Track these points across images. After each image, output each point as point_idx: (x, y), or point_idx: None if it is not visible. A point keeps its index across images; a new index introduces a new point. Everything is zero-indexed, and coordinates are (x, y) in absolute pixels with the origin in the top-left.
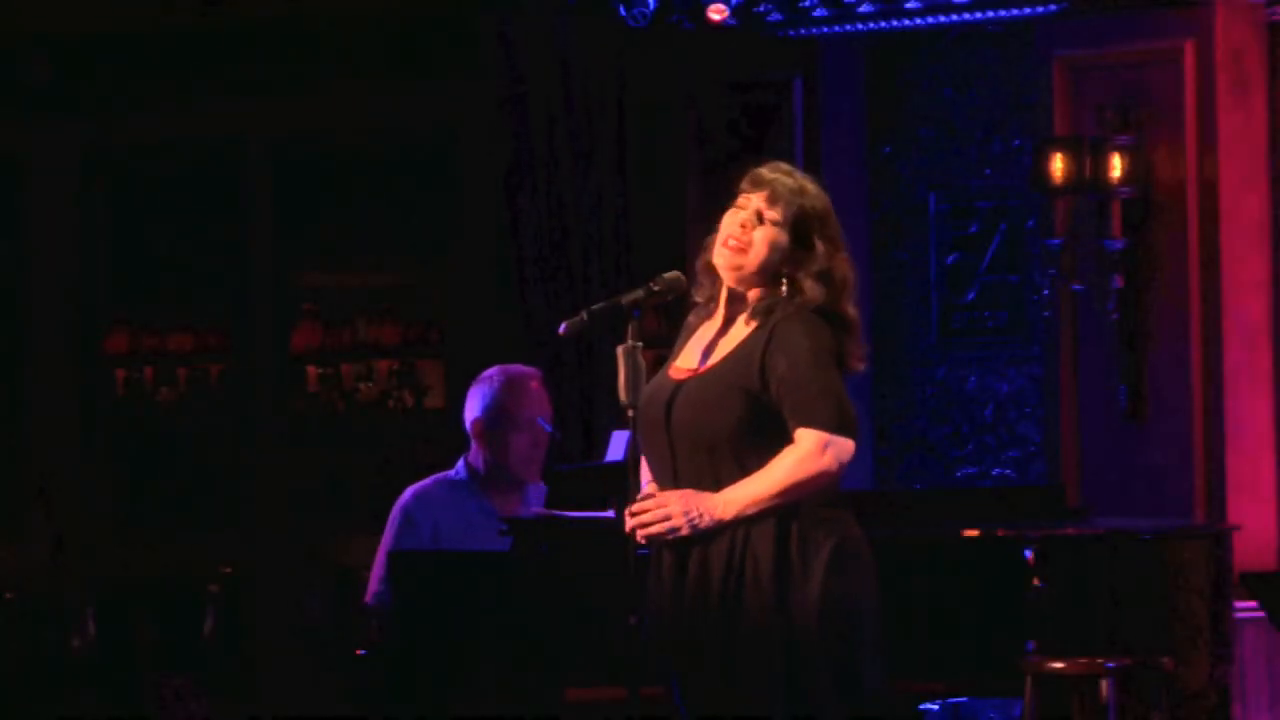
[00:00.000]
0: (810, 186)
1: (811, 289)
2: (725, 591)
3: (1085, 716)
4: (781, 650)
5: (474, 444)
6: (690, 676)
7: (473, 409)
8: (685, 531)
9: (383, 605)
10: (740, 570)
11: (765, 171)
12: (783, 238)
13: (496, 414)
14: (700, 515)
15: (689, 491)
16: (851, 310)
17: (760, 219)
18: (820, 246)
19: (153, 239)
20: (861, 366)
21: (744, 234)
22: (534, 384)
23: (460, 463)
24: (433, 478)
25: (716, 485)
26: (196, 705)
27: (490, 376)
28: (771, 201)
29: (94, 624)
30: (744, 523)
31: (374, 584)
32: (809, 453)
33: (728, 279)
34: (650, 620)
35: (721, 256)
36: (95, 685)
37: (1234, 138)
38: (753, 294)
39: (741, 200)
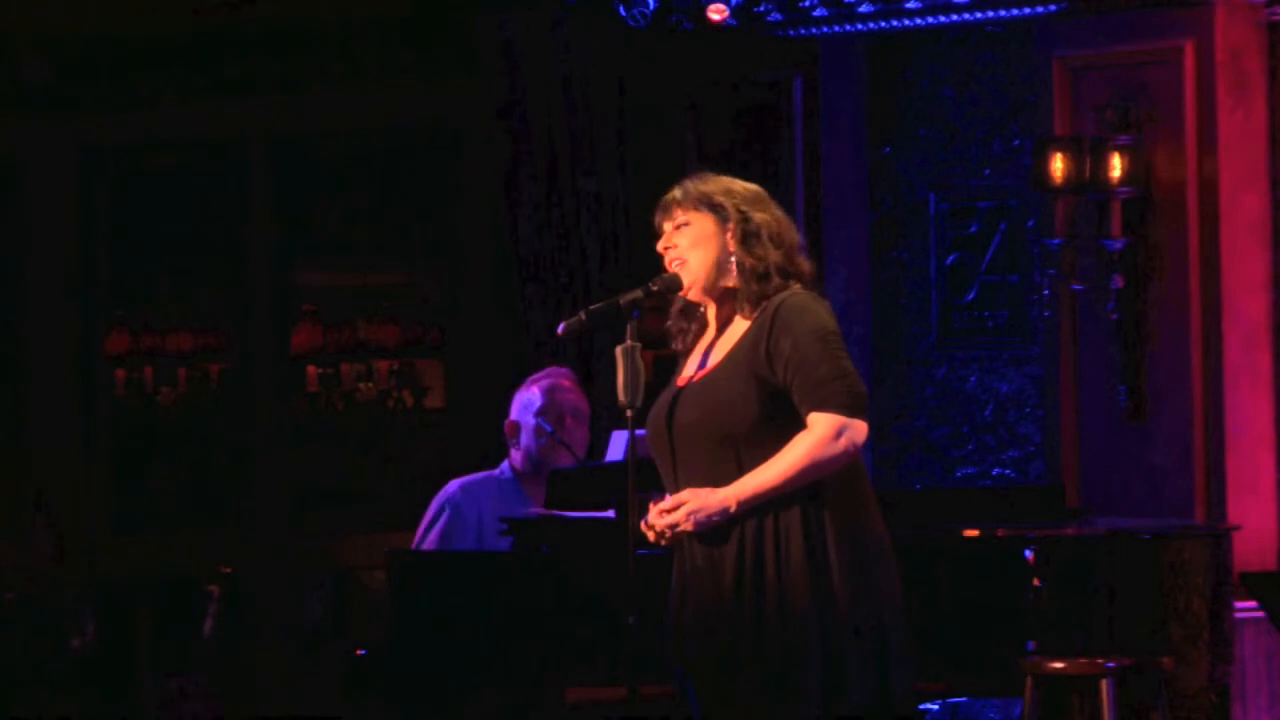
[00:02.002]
0: (694, 181)
1: (772, 254)
2: (756, 592)
3: (1085, 716)
4: (817, 651)
5: (509, 442)
6: (712, 677)
7: (510, 414)
8: (689, 527)
9: None
10: (774, 570)
11: (663, 199)
12: (703, 228)
13: (523, 409)
14: (700, 510)
15: (695, 490)
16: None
17: (677, 232)
18: (740, 214)
19: (153, 239)
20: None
21: (675, 251)
22: (564, 381)
23: (504, 464)
24: (479, 474)
25: (716, 486)
26: (199, 705)
27: (525, 381)
28: (668, 213)
29: (94, 624)
30: (774, 522)
31: None
32: (823, 437)
33: (695, 296)
34: (670, 620)
35: (679, 281)
36: (95, 685)
37: (1234, 138)
38: (738, 293)
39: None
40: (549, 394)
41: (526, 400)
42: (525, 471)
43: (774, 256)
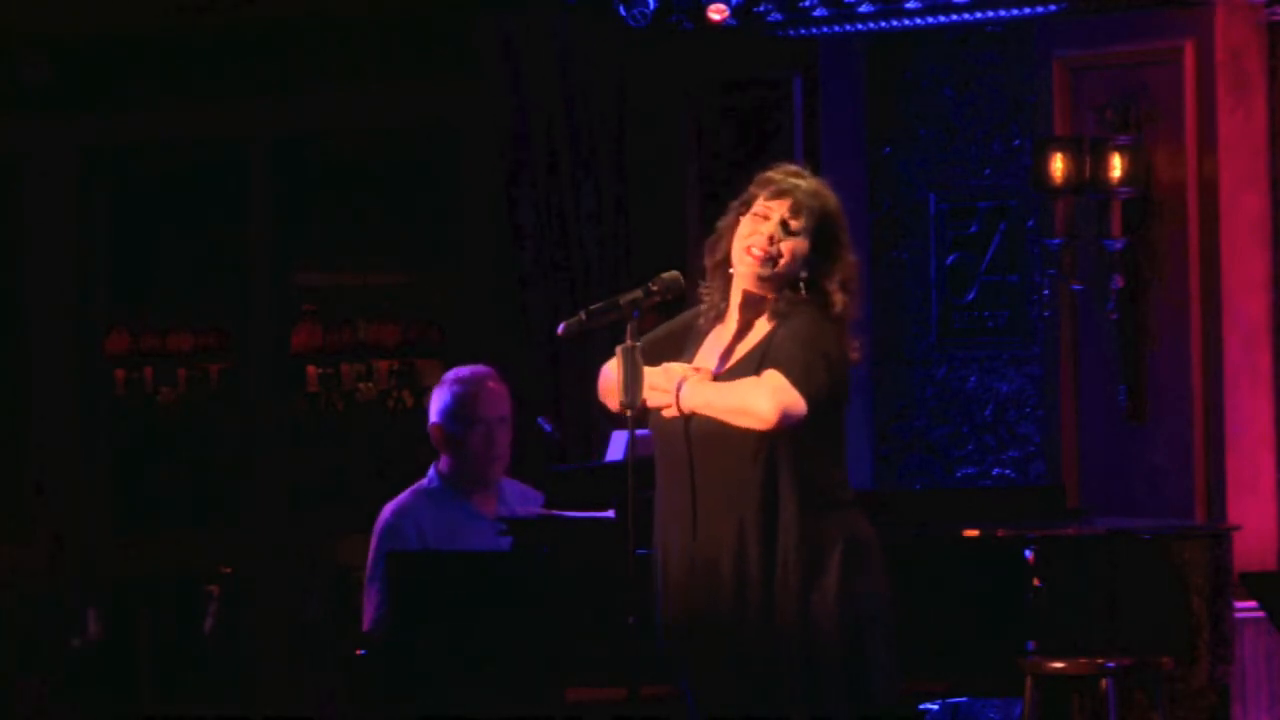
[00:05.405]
0: (824, 189)
1: (838, 299)
2: (745, 592)
3: (1085, 716)
4: (799, 648)
5: (437, 449)
6: (705, 675)
7: (430, 415)
8: (673, 403)
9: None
10: (757, 569)
11: (781, 177)
12: (806, 246)
13: (449, 417)
14: (674, 394)
15: (679, 378)
16: (856, 310)
17: (786, 230)
18: (843, 253)
19: (153, 239)
20: (857, 357)
21: (771, 246)
22: (490, 384)
23: (431, 470)
24: (407, 490)
25: (739, 490)
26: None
27: (443, 380)
28: (795, 211)
29: (94, 624)
30: (773, 521)
31: (370, 610)
32: (762, 388)
33: (749, 284)
34: (662, 619)
35: (745, 265)
36: (95, 685)
37: (1234, 138)
38: (771, 297)
39: (761, 209)
40: (484, 394)
41: (461, 399)
42: (455, 475)
43: (840, 303)
